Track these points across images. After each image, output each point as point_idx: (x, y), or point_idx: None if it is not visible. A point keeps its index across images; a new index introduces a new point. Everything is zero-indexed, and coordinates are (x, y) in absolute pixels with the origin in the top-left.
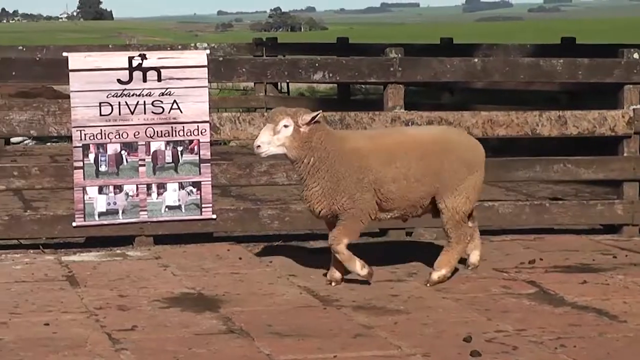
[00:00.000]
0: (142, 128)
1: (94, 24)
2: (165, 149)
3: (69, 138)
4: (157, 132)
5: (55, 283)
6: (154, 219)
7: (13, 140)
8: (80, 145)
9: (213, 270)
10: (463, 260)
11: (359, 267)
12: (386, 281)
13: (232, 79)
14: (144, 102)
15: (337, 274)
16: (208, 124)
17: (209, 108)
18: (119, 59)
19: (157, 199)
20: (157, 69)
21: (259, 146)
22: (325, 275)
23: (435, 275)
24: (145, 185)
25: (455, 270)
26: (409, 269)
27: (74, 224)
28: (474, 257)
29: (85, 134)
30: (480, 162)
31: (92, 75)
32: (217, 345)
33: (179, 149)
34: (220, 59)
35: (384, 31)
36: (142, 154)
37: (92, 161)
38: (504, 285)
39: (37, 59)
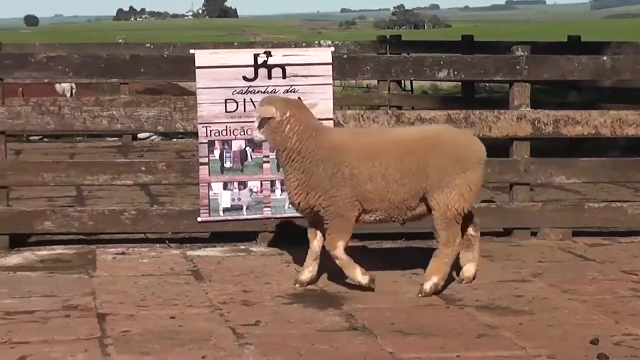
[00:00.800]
0: None
1: (219, 21)
2: None
3: (194, 134)
4: None
5: (180, 277)
6: (278, 215)
7: (140, 135)
8: (206, 141)
9: (336, 267)
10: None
11: (359, 274)
12: (510, 281)
13: (356, 77)
14: None
15: (304, 277)
16: (332, 122)
17: (333, 105)
18: (245, 56)
19: (280, 195)
20: (282, 66)
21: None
22: (457, 275)
23: (427, 286)
24: (269, 182)
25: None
26: (534, 270)
27: (199, 219)
28: (469, 270)
29: (210, 130)
30: (476, 161)
31: (217, 72)
32: (339, 342)
33: None
34: (345, 56)
35: (509, 29)
36: (266, 150)
37: (217, 157)
38: (632, 287)
39: (165, 56)
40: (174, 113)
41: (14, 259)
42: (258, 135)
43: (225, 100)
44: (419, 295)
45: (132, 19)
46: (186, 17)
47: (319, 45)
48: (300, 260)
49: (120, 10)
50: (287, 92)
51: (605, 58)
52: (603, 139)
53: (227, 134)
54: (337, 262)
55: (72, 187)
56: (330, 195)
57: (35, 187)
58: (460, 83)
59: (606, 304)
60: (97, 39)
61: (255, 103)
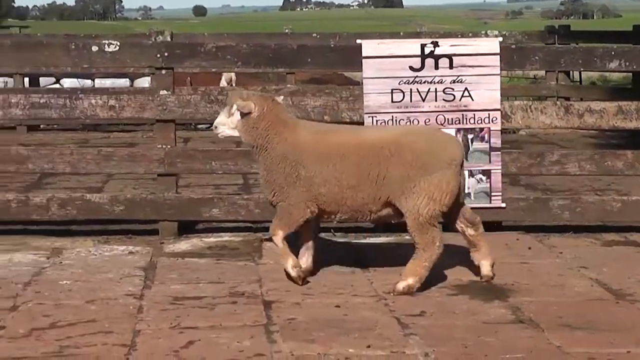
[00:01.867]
0: (433, 115)
1: (384, 11)
2: (456, 136)
3: (360, 124)
4: (448, 119)
5: (345, 266)
6: None
7: None
8: None
9: (501, 259)
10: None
11: (289, 265)
12: None
13: (524, 67)
14: (435, 89)
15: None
16: (499, 112)
17: (500, 96)
18: (411, 46)
19: None
20: (449, 57)
21: (216, 127)
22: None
23: (400, 285)
24: None
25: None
26: None
27: None
28: (485, 268)
29: (377, 121)
30: (445, 162)
31: (384, 62)
32: (505, 335)
33: (470, 136)
34: (513, 46)
35: None
36: None
37: None
38: None
39: (331, 46)
40: (340, 103)
41: (183, 245)
42: (227, 131)
43: (392, 90)
44: (392, 294)
45: (298, 9)
46: (352, 7)
47: (486, 35)
48: (466, 251)
49: (286, 1)
50: (453, 82)
51: None
52: None
53: (393, 124)
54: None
55: (239, 175)
56: (283, 192)
57: (203, 174)
58: (630, 74)
59: None
60: (263, 29)
61: (421, 93)
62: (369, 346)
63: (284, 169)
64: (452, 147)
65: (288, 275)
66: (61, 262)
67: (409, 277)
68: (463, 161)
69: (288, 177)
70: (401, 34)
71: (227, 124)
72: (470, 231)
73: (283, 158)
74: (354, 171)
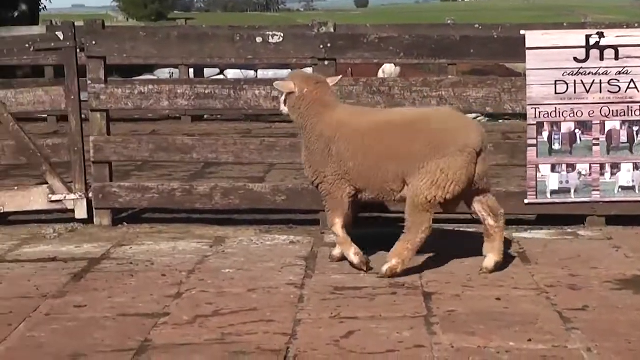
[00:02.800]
0: (597, 107)
1: (546, 1)
2: (621, 128)
3: (521, 116)
4: (613, 111)
5: (507, 258)
6: (607, 199)
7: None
8: (535, 123)
9: None
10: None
11: (351, 253)
12: None
13: None
14: (600, 80)
15: (335, 252)
16: None
17: None
18: (576, 37)
19: (610, 179)
20: (615, 47)
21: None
22: None
23: (384, 268)
24: (598, 165)
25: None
26: None
27: (525, 201)
28: (488, 262)
29: (539, 112)
30: (457, 148)
31: (548, 53)
32: None
33: (635, 129)
34: None
35: None
36: (596, 133)
37: (545, 139)
38: None
39: (494, 37)
40: (503, 94)
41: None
42: (284, 110)
43: (555, 81)
44: (378, 276)
45: (460, 0)
46: None
47: None
48: (631, 245)
49: None
50: (619, 73)
51: None
52: None
53: (556, 116)
54: (335, 238)
55: None
56: (320, 172)
57: None
58: None
59: None
60: (425, 20)
61: (585, 85)
62: (530, 340)
63: (320, 146)
64: (469, 132)
65: (351, 263)
66: (224, 251)
67: (392, 258)
68: (483, 149)
69: (323, 154)
70: (565, 24)
71: (281, 103)
72: (490, 221)
73: (320, 136)
74: (378, 147)
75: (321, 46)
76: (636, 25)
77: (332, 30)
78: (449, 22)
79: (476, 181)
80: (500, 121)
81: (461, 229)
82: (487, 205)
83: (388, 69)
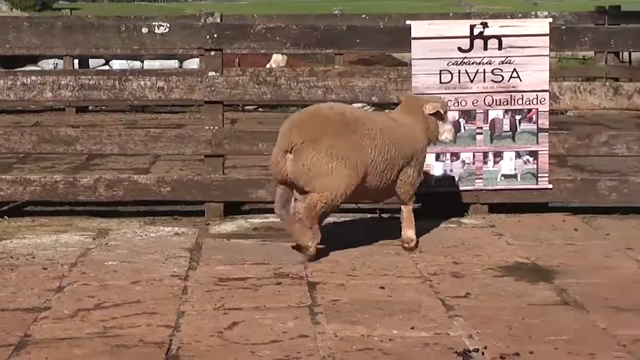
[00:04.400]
0: (481, 96)
1: None
2: (504, 117)
3: None
4: (496, 100)
5: (391, 247)
6: (490, 187)
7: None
8: None
9: (548, 241)
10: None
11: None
12: None
13: (574, 48)
14: (484, 70)
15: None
16: (547, 93)
17: (549, 77)
18: (461, 27)
19: (493, 167)
20: (499, 37)
21: None
22: None
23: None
24: (482, 154)
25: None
26: None
27: None
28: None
29: None
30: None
31: (433, 43)
32: (550, 317)
33: (517, 117)
34: (563, 27)
35: None
36: (480, 122)
37: None
38: None
39: (381, 27)
40: (389, 84)
41: (228, 226)
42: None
43: (440, 71)
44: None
45: None
46: None
47: (536, 16)
48: (512, 233)
49: None
50: (502, 63)
51: None
52: None
53: None
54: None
55: None
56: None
57: (250, 156)
58: None
59: None
60: (313, 10)
61: (469, 74)
62: (413, 328)
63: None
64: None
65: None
66: (107, 243)
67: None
68: None
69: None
70: (450, 14)
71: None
72: None
73: None
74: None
75: (208, 37)
76: (520, 15)
77: (218, 20)
78: (337, 12)
79: None
80: (387, 110)
81: (345, 219)
82: None
83: (275, 59)
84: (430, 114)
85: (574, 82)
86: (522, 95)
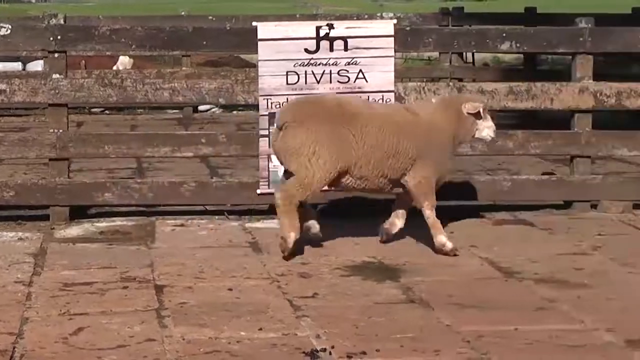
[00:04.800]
0: None
1: None
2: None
3: (255, 106)
4: None
5: (239, 249)
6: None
7: (201, 108)
8: (267, 113)
9: (394, 240)
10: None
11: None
12: (570, 254)
13: (419, 49)
14: (330, 71)
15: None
16: (393, 94)
17: (394, 78)
18: (307, 28)
19: None
20: (344, 39)
21: None
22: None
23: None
24: None
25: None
26: (594, 243)
27: (258, 191)
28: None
29: (271, 103)
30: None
31: (279, 44)
32: (396, 315)
33: None
34: (407, 28)
35: (572, 1)
36: None
37: None
38: None
39: (228, 28)
40: (236, 85)
41: (74, 230)
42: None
43: (287, 72)
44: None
45: None
46: None
47: (382, 17)
48: (360, 232)
49: None
50: (348, 64)
51: None
52: None
53: None
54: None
55: (133, 159)
56: None
57: (96, 159)
58: (521, 55)
59: None
60: (159, 12)
61: (316, 75)
62: (260, 329)
63: None
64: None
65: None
66: None
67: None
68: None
69: None
70: (297, 16)
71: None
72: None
73: None
74: None
75: (51, 38)
76: (366, 17)
77: (62, 22)
78: (183, 13)
79: None
80: (235, 112)
81: (193, 220)
82: None
83: (122, 61)
84: (469, 114)
85: (419, 82)
86: (368, 96)
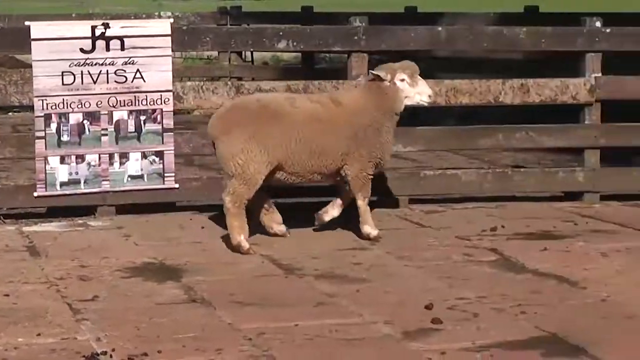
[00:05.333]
0: (105, 97)
1: None
2: (128, 118)
3: (30, 107)
4: (120, 101)
5: (16, 253)
6: (117, 189)
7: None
8: (42, 114)
9: (175, 240)
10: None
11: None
12: (349, 249)
13: (197, 48)
14: (107, 71)
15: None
16: (171, 93)
17: (173, 77)
18: (82, 27)
19: (119, 168)
20: (121, 38)
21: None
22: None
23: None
24: (107, 155)
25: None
26: None
27: (35, 194)
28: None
29: (47, 104)
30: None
31: (54, 44)
32: (178, 315)
33: (142, 118)
34: (184, 27)
35: (348, 0)
36: (104, 123)
37: (54, 131)
38: (466, 252)
39: (1, 27)
40: (9, 86)
41: None
42: None
43: (62, 72)
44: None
45: None
46: None
47: (159, 16)
48: (141, 233)
49: None
50: (125, 63)
51: (440, 29)
52: (438, 108)
53: (64, 107)
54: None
55: None
56: None
57: None
58: (300, 54)
59: (441, 269)
60: None
61: (92, 75)
62: (39, 334)
63: None
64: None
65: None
66: None
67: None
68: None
69: None
70: (73, 15)
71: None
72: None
73: None
74: None
75: None
76: (144, 16)
77: None
78: None
79: None
80: (10, 114)
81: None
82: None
83: None
84: (394, 85)
85: (198, 81)
86: (147, 96)
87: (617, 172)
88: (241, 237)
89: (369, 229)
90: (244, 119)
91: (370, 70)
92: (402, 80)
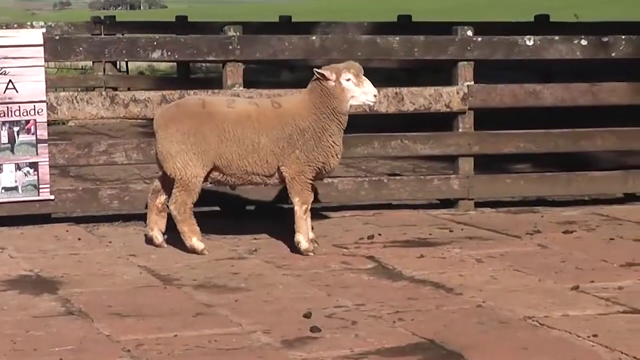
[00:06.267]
0: None
1: None
2: (1, 129)
3: None
4: None
5: None
6: None
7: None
8: None
9: (52, 252)
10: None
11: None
12: (227, 259)
13: (70, 58)
14: None
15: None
16: (45, 104)
17: (46, 87)
18: None
19: None
20: None
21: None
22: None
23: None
24: None
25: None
26: (250, 247)
27: None
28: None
29: None
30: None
31: None
32: (55, 327)
33: (15, 129)
34: (57, 37)
35: (223, 9)
36: None
37: None
38: (343, 260)
39: None
40: None
41: None
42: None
43: None
44: None
45: None
46: None
47: (32, 26)
48: (16, 246)
49: None
50: None
51: (314, 38)
52: None
53: None
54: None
55: None
56: None
57: None
58: (176, 64)
59: (319, 277)
60: None
61: None
62: None
63: None
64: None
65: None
66: None
67: None
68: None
69: None
70: None
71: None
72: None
73: None
74: None
75: None
76: (15, 25)
77: None
78: None
79: None
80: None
81: None
82: None
83: None
84: (340, 85)
85: (72, 92)
86: (20, 107)
87: (491, 179)
88: (193, 240)
89: (300, 237)
90: (181, 116)
91: (315, 70)
92: (348, 80)
